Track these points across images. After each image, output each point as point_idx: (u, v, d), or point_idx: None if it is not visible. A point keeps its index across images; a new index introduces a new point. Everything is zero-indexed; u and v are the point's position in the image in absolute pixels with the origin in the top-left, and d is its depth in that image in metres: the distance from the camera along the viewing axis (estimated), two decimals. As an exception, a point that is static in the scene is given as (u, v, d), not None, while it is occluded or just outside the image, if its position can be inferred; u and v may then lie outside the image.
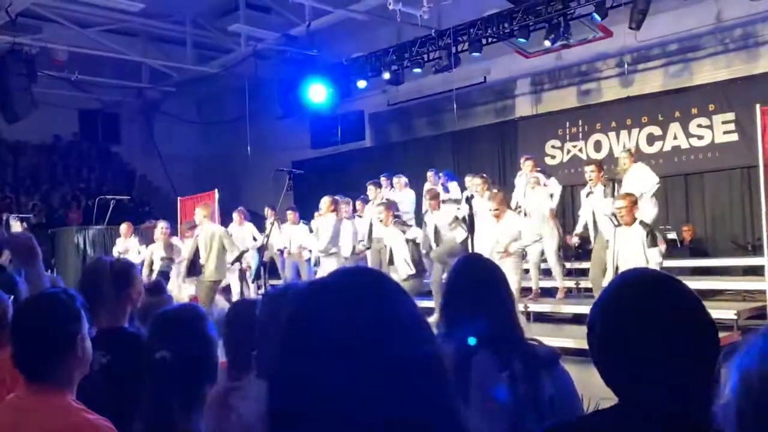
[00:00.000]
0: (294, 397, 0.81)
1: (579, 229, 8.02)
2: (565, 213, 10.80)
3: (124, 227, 10.31)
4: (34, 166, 16.50)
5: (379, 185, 9.88)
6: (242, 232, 10.16)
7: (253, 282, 10.02)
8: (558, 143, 12.06)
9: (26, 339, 1.74)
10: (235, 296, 9.82)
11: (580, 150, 11.67)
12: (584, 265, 10.10)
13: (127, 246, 10.13)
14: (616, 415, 1.16)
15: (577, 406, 1.95)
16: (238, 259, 8.78)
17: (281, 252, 10.35)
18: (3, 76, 10.70)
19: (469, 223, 6.94)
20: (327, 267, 8.64)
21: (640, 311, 1.15)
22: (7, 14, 10.70)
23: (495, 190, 8.14)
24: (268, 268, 9.60)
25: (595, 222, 7.54)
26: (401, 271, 8.03)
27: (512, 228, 7.21)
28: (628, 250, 6.18)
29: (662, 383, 1.10)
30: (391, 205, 8.69)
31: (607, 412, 1.18)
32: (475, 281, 2.07)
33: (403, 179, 10.13)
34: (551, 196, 8.89)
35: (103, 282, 2.32)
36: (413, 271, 8.00)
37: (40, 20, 12.45)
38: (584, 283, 9.63)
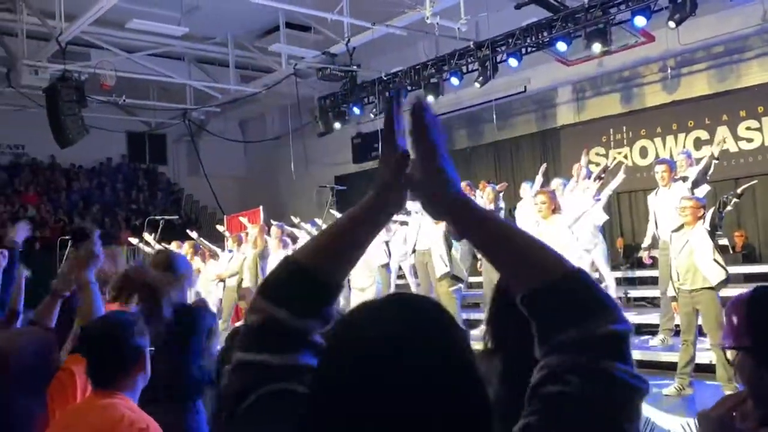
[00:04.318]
0: None
1: (648, 241, 7.63)
2: (612, 220, 10.63)
3: (186, 247, 10.43)
4: (85, 189, 17.00)
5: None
6: (281, 255, 10.31)
7: None
8: (602, 150, 11.89)
9: (100, 352, 1.99)
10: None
11: (625, 156, 11.49)
12: (629, 274, 9.95)
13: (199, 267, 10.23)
14: None
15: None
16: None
17: None
18: (55, 103, 11.05)
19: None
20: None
21: None
22: (57, 43, 11.10)
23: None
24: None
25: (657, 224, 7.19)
26: (437, 269, 7.89)
27: (560, 233, 6.96)
28: (693, 254, 5.95)
29: None
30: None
31: None
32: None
33: None
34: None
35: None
36: (448, 268, 7.81)
37: (88, 47, 12.87)
38: (633, 293, 9.48)
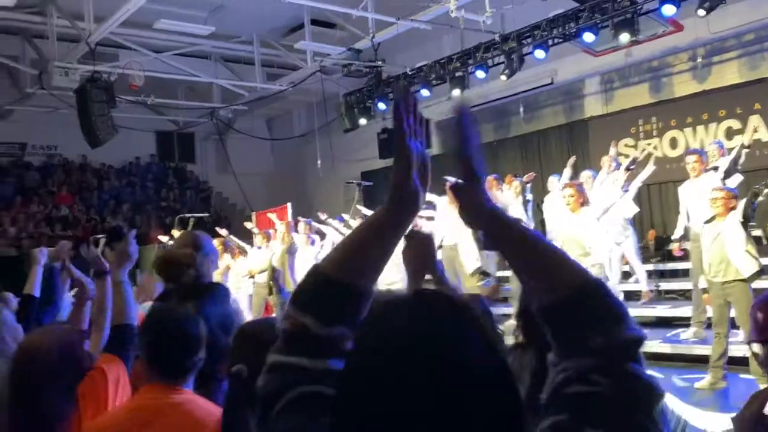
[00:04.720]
0: None
1: (679, 233, 7.42)
2: (643, 212, 10.49)
3: (216, 244, 10.53)
4: (116, 188, 17.26)
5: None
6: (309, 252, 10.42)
7: None
8: (631, 141, 11.75)
9: (166, 344, 2.04)
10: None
11: (655, 148, 11.33)
12: (660, 266, 9.82)
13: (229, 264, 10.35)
14: None
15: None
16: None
17: None
18: (85, 104, 11.22)
19: (542, 228, 6.76)
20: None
21: None
22: (87, 45, 11.27)
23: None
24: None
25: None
26: (467, 266, 7.86)
27: (589, 226, 6.87)
28: (725, 246, 5.83)
29: None
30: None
31: None
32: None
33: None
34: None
35: None
36: (480, 263, 7.77)
37: (116, 48, 13.05)
38: (665, 285, 9.35)
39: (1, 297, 3.80)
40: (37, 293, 3.50)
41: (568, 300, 0.91)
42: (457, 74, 11.37)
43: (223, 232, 10.87)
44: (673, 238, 7.78)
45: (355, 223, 10.58)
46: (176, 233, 11.17)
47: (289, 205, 12.91)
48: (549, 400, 0.87)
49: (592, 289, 0.92)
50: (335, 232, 11.10)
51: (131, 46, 12.98)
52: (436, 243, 9.17)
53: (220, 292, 2.59)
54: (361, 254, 1.02)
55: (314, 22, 13.02)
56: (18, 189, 15.79)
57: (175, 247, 2.91)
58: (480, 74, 11.13)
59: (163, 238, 11.43)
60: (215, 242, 10.50)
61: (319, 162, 14.06)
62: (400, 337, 0.82)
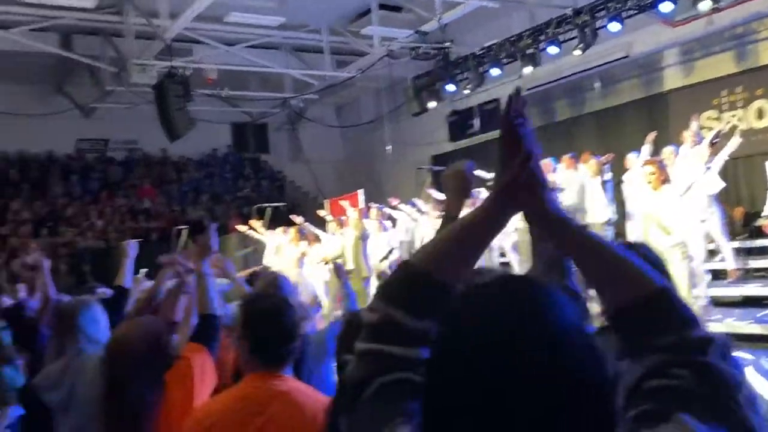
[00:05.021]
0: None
1: None
2: (729, 187, 10.03)
3: (292, 232, 10.75)
4: (195, 179, 17.80)
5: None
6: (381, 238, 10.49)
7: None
8: (714, 114, 11.22)
9: (270, 332, 2.09)
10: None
11: (740, 119, 10.79)
12: (748, 244, 9.37)
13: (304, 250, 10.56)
14: None
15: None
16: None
17: None
18: (163, 99, 11.59)
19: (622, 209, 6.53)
20: None
21: None
22: (162, 41, 11.62)
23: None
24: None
25: None
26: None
27: (672, 204, 6.59)
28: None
29: None
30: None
31: None
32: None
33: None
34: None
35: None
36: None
37: (190, 43, 13.40)
38: (753, 263, 8.94)
39: (89, 288, 3.98)
40: (128, 285, 3.65)
41: (636, 306, 0.92)
42: (528, 51, 11.13)
43: (299, 219, 11.06)
44: (763, 214, 7.41)
45: (427, 207, 10.57)
46: (255, 223, 11.43)
47: (360, 191, 13.01)
48: (627, 400, 0.87)
49: (661, 295, 0.92)
50: (407, 218, 11.11)
51: (204, 40, 13.29)
52: (511, 226, 9.12)
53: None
54: (455, 251, 1.03)
55: (381, 6, 12.99)
56: (103, 184, 16.51)
57: (259, 289, 3.04)
58: (552, 50, 10.86)
59: (242, 228, 11.72)
60: (291, 231, 10.75)
61: (388, 147, 14.08)
62: (491, 324, 0.84)
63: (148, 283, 3.60)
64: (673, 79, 12.15)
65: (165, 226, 14.94)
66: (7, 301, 4.62)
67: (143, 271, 4.04)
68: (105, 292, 3.64)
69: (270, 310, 2.14)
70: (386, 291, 1.02)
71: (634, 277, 0.94)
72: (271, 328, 2.09)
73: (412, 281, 1.00)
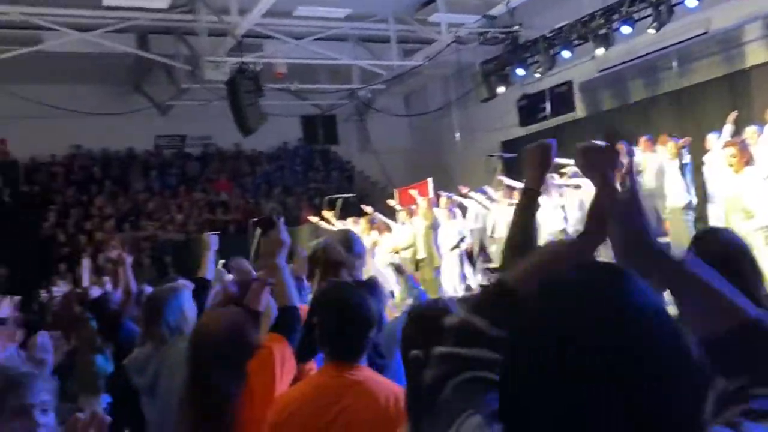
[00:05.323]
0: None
1: None
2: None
3: (363, 223, 10.88)
4: (267, 172, 18.18)
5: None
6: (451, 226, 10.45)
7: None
8: (802, 89, 10.64)
9: (346, 324, 2.12)
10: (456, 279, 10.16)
11: (832, 94, 10.19)
12: None
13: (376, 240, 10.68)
14: None
15: None
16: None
17: None
18: (236, 94, 11.86)
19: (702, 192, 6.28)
20: None
21: None
22: (233, 37, 11.88)
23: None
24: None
25: None
26: None
27: (755, 187, 6.29)
28: None
29: None
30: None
31: None
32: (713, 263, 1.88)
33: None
34: None
35: None
36: None
37: (260, 38, 13.65)
38: None
39: (171, 279, 4.13)
40: (210, 276, 3.77)
41: (726, 338, 0.94)
42: (601, 32, 10.84)
43: (369, 209, 11.14)
44: None
45: (498, 195, 10.45)
46: (327, 213, 11.58)
47: (429, 180, 12.98)
48: (721, 402, 0.90)
49: (751, 329, 0.94)
50: (478, 205, 11.03)
51: (273, 35, 13.51)
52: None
53: (375, 288, 2.70)
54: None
55: (447, -8, 12.89)
56: (181, 179, 17.07)
57: (332, 244, 3.09)
58: (626, 30, 10.53)
59: (313, 219, 11.90)
60: (362, 221, 10.86)
61: (457, 134, 13.97)
62: (572, 319, 0.82)
63: (228, 276, 3.71)
64: (755, 54, 11.55)
65: (241, 218, 15.32)
66: (96, 292, 4.87)
67: (222, 262, 4.17)
68: (186, 284, 3.77)
69: (347, 303, 2.17)
70: (477, 307, 1.08)
71: (724, 310, 0.97)
72: (348, 320, 2.12)
73: (502, 299, 1.07)
